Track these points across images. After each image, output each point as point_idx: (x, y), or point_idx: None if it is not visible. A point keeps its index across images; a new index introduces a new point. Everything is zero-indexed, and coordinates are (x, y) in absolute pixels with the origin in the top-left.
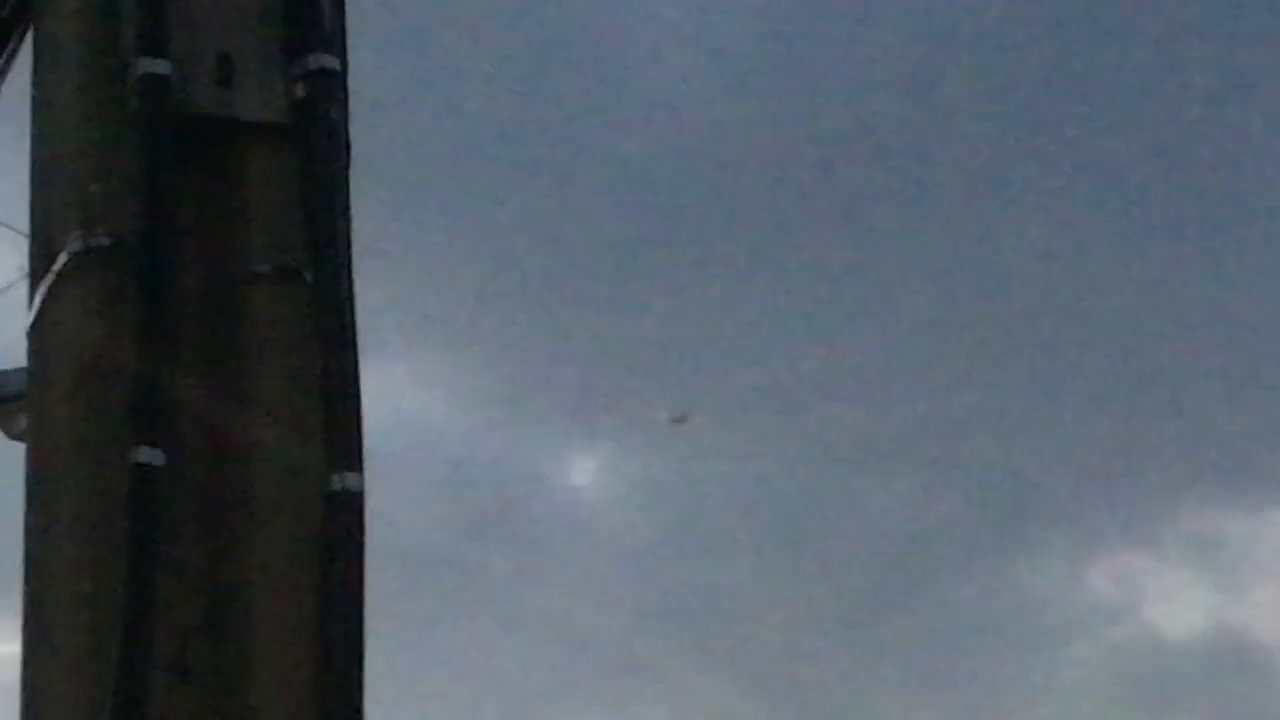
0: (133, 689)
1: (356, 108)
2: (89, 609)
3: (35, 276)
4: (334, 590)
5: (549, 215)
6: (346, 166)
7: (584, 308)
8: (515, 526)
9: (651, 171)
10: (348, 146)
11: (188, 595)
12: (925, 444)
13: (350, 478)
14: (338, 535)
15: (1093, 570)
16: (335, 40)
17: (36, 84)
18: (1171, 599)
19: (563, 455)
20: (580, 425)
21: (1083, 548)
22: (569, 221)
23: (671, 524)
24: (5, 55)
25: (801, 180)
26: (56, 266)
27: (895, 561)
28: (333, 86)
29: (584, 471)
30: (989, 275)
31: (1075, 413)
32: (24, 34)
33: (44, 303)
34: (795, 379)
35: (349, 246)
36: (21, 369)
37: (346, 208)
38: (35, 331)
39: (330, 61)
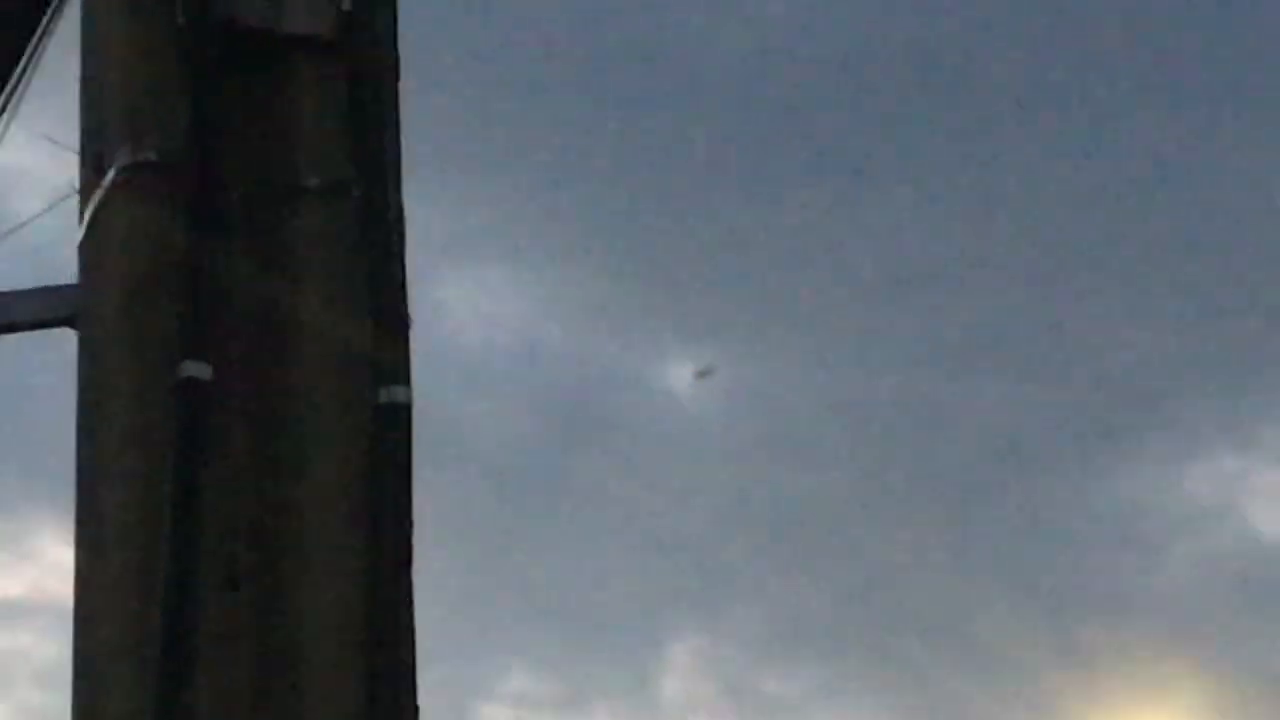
0: (182, 597)
1: (456, 16)
2: (139, 520)
3: (85, 192)
4: (382, 501)
5: (643, 128)
6: (395, 81)
7: (678, 216)
8: (611, 432)
9: (734, 82)
10: (396, 61)
11: (237, 507)
12: (1019, 346)
13: (398, 390)
14: (386, 447)
15: (1191, 471)
16: None
17: (84, 1)
18: (1271, 501)
19: (658, 361)
20: (674, 331)
21: (1180, 449)
22: (662, 134)
23: (766, 429)
24: None
25: (876, 87)
26: (105, 181)
27: (990, 466)
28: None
29: (679, 378)
30: (1082, 177)
31: (1170, 314)
32: None
33: (94, 217)
34: (885, 282)
35: (398, 161)
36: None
37: (396, 122)
38: (85, 246)
39: None
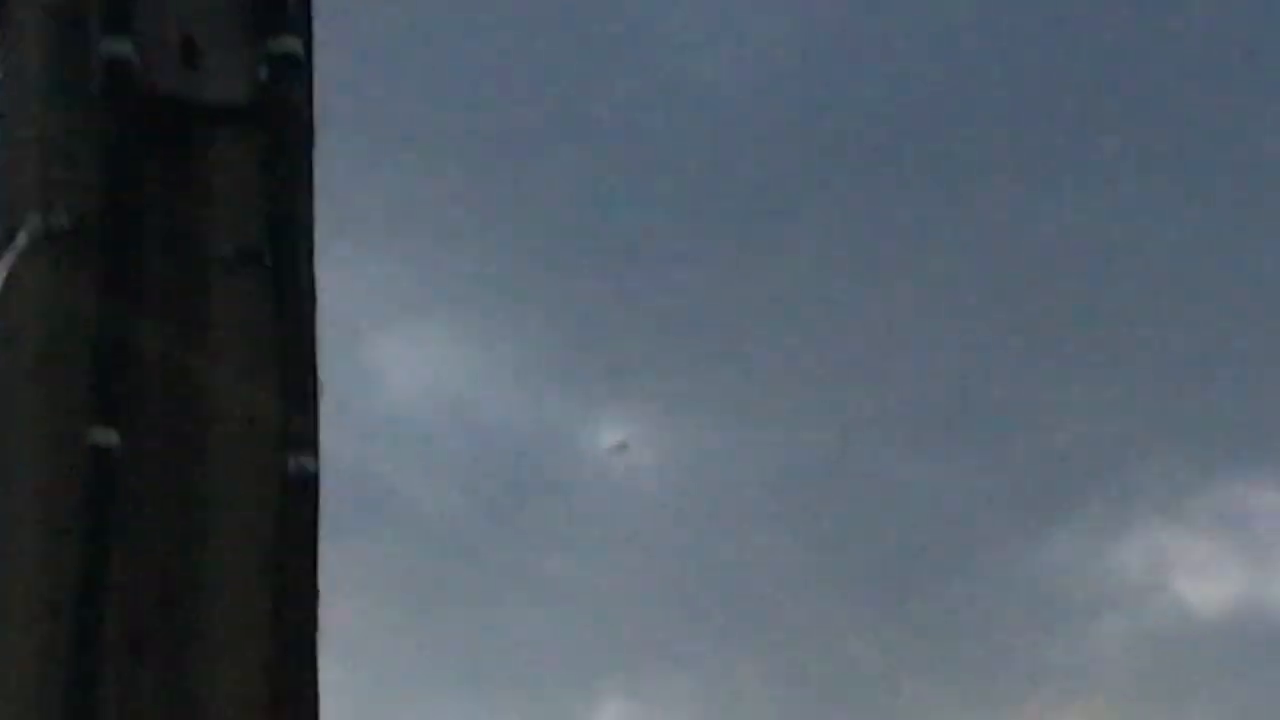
0: (85, 669)
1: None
2: (45, 591)
3: None
4: (289, 571)
5: (582, 185)
6: (309, 150)
7: (617, 275)
8: (543, 496)
9: (684, 146)
10: (311, 130)
11: (145, 578)
12: (958, 418)
13: (306, 460)
14: (294, 516)
15: (1123, 545)
16: (300, 23)
17: (1, 64)
18: (1202, 573)
19: (593, 424)
20: (612, 394)
21: (1113, 521)
22: (602, 191)
23: (702, 495)
24: None
25: (836, 156)
26: (17, 247)
27: (928, 535)
28: (296, 70)
29: (616, 438)
30: (1022, 251)
31: (1106, 387)
32: None
33: (5, 284)
34: (829, 352)
35: (310, 229)
36: None
37: (309, 190)
38: None
39: (294, 45)
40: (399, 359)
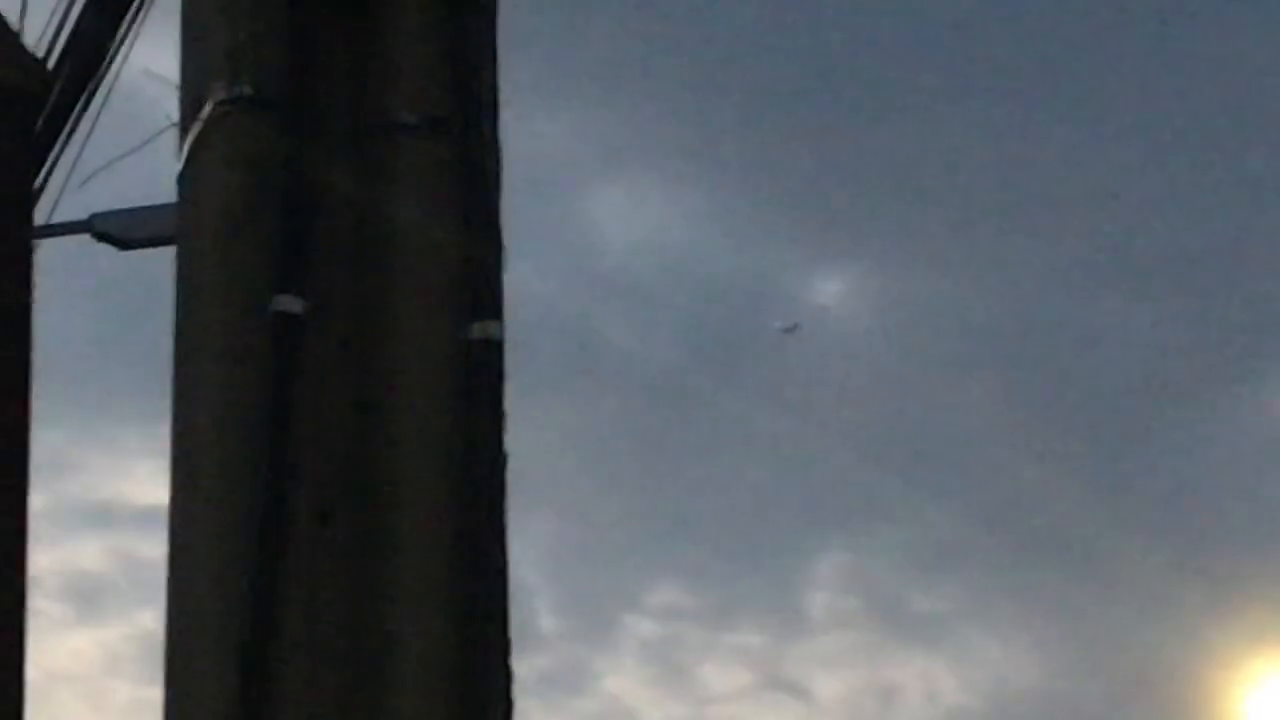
0: (271, 531)
1: None
2: (231, 453)
3: (184, 125)
4: (475, 436)
5: (796, 43)
6: (493, 18)
7: (829, 134)
8: (760, 348)
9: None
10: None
11: (330, 441)
12: (1166, 269)
13: (490, 325)
14: (478, 382)
15: None
16: None
17: None
18: None
19: (808, 276)
20: (823, 247)
21: None
22: (812, 49)
23: (913, 346)
24: None
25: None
26: (202, 115)
27: (1133, 387)
28: None
29: (829, 292)
30: (1234, 99)
31: None
32: None
33: (191, 151)
34: (1036, 204)
35: (495, 97)
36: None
37: (493, 59)
38: (183, 179)
39: None
40: (619, 213)
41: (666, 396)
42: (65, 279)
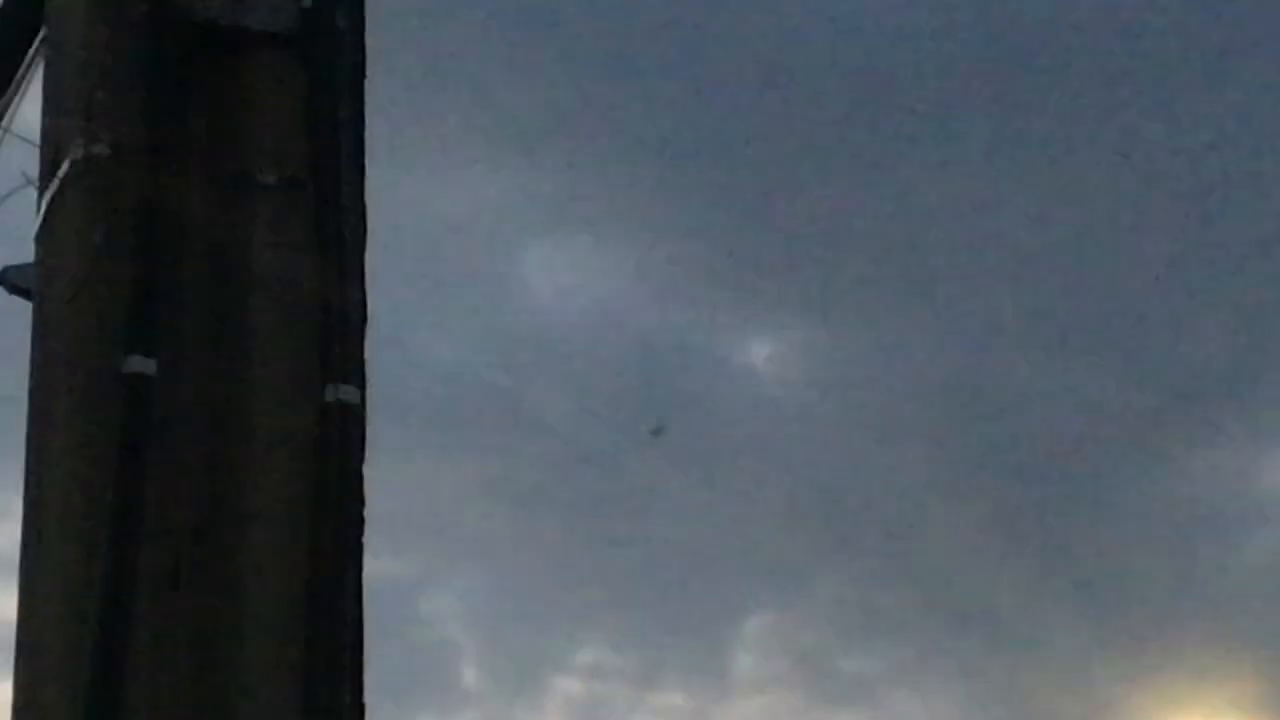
0: (119, 593)
1: None
2: (80, 514)
3: (43, 183)
4: (327, 501)
5: (732, 104)
6: (358, 77)
7: (763, 192)
8: (690, 408)
9: (829, 68)
10: (361, 59)
11: (181, 503)
12: (1101, 332)
13: (346, 390)
14: (331, 447)
15: (1271, 460)
16: None
17: None
18: None
19: (739, 337)
20: (755, 307)
21: (1262, 437)
22: (750, 111)
23: (845, 407)
24: None
25: (980, 74)
26: (60, 174)
27: (1066, 449)
28: None
29: (759, 353)
30: (1175, 160)
31: (1255, 300)
32: None
33: (48, 210)
34: (968, 266)
35: (357, 157)
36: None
37: (358, 118)
38: (40, 238)
39: None
40: (550, 270)
41: (594, 455)
42: None
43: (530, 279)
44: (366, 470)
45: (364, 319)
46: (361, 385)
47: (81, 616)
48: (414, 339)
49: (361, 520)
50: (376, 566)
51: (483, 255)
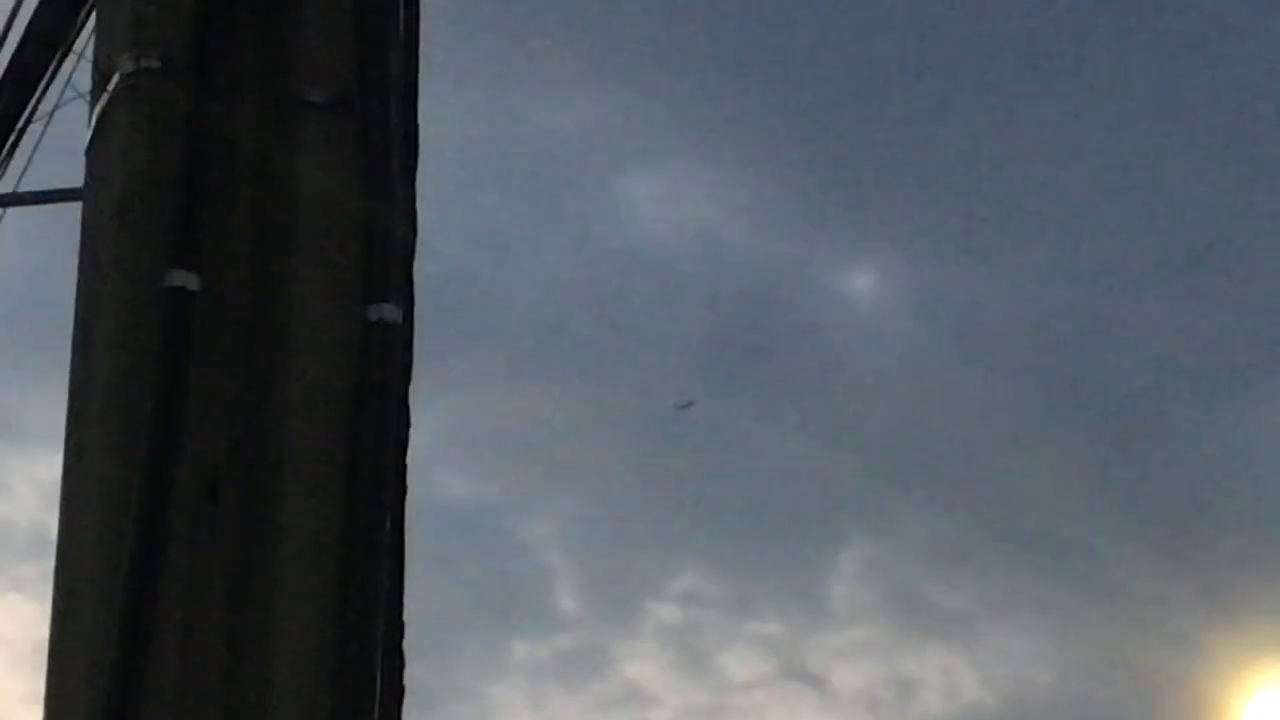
0: (158, 509)
1: None
2: (121, 425)
3: (94, 97)
4: (366, 418)
5: (840, 35)
6: (409, 2)
7: (868, 121)
8: (790, 336)
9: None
10: None
11: (220, 418)
12: (1204, 268)
13: (386, 309)
14: (371, 364)
15: None
16: None
17: None
18: None
19: (841, 267)
20: (857, 237)
21: None
22: (857, 39)
23: (944, 338)
24: None
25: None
26: (109, 87)
27: (1162, 386)
28: None
29: (858, 284)
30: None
31: None
32: None
33: (98, 123)
34: (1081, 198)
35: (410, 80)
36: None
37: (410, 42)
38: (89, 151)
39: None
40: (654, 197)
41: (696, 383)
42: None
43: (632, 204)
44: (416, 390)
45: (412, 240)
46: (408, 305)
47: (119, 529)
48: (516, 262)
49: (405, 440)
50: (473, 490)
51: (585, 179)
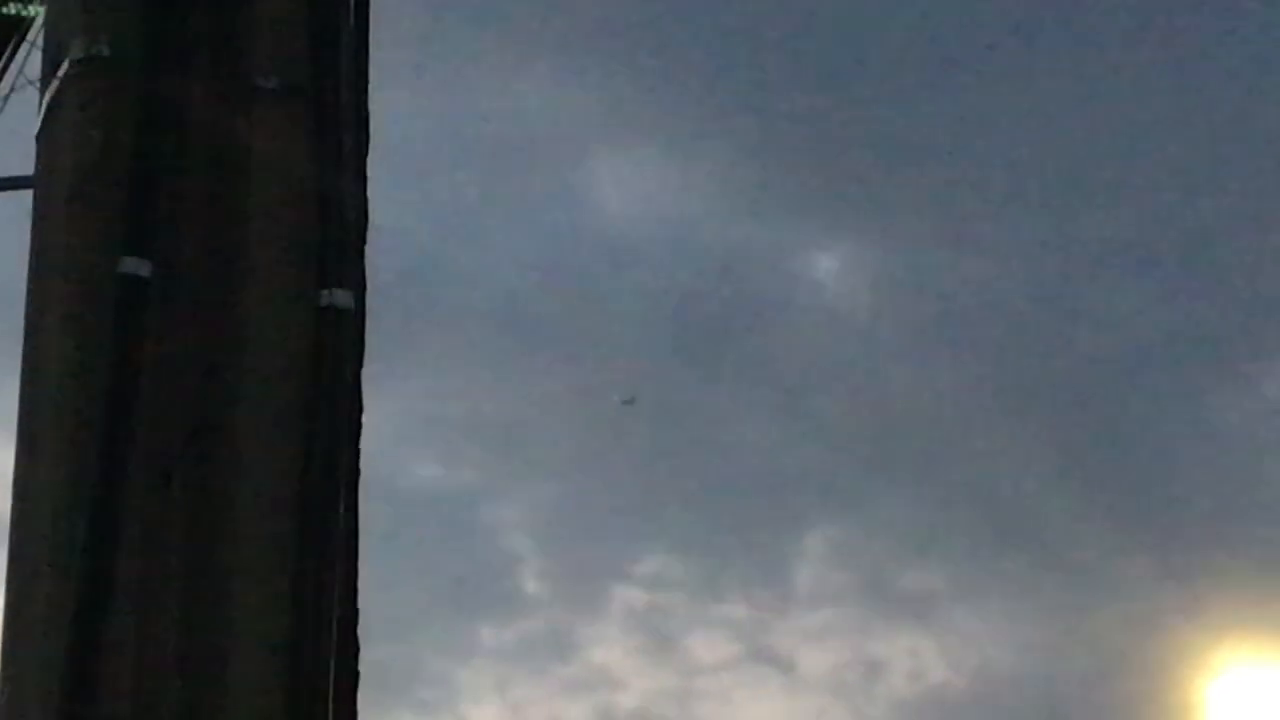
0: (113, 494)
1: None
2: (73, 413)
3: (44, 84)
4: (319, 403)
5: (804, 18)
6: None
7: (837, 102)
8: (755, 318)
9: None
10: None
11: (175, 405)
12: (1174, 249)
13: (339, 294)
14: (325, 350)
15: None
16: None
17: None
18: None
19: (805, 249)
20: (821, 219)
21: None
22: (820, 24)
23: (909, 320)
24: None
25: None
26: (59, 73)
27: (1130, 364)
28: None
29: (825, 267)
30: (1245, 80)
31: None
32: None
33: (48, 109)
34: (1036, 182)
35: (362, 67)
36: None
37: (362, 24)
38: (40, 137)
39: None
40: (620, 180)
41: (660, 366)
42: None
43: (599, 188)
44: (365, 375)
45: (365, 226)
46: (360, 290)
47: (73, 517)
48: (483, 246)
49: (358, 425)
50: (439, 476)
51: (553, 162)
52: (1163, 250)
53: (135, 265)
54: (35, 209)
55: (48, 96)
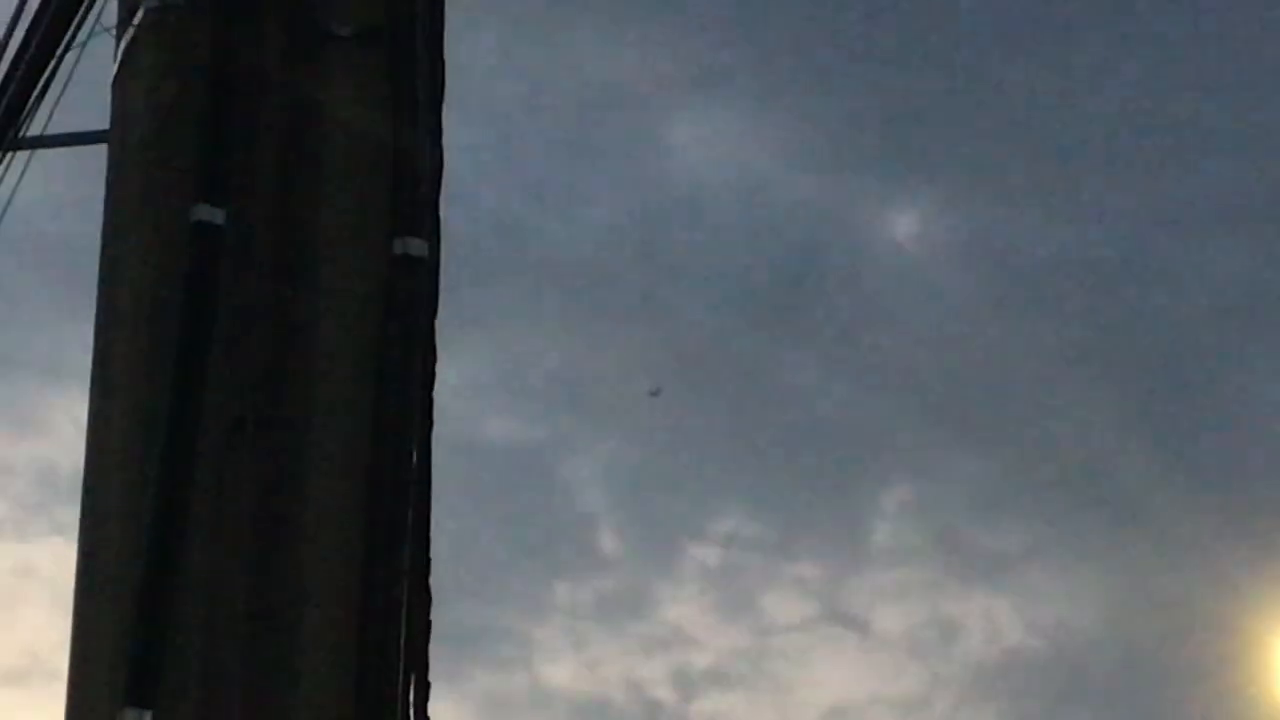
0: (185, 441)
1: None
2: (148, 358)
3: (119, 31)
4: (392, 352)
5: None
6: None
7: (916, 64)
8: (832, 278)
9: None
10: None
11: (248, 353)
12: (1249, 209)
13: (413, 243)
14: (398, 299)
15: None
16: None
17: None
18: None
19: (884, 209)
20: (901, 179)
21: None
22: None
23: (990, 280)
24: None
25: None
26: (135, 21)
27: (1210, 328)
28: None
29: (903, 227)
30: None
31: None
32: None
33: (123, 59)
34: (1123, 141)
35: (437, 13)
36: None
37: None
38: (115, 86)
39: None
40: (696, 138)
41: (737, 324)
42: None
43: (677, 147)
44: (438, 326)
45: (439, 174)
46: (434, 240)
47: (148, 458)
48: (560, 205)
49: (432, 374)
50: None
51: (631, 122)
52: (1253, 211)
53: (209, 213)
54: (110, 156)
55: (123, 45)
